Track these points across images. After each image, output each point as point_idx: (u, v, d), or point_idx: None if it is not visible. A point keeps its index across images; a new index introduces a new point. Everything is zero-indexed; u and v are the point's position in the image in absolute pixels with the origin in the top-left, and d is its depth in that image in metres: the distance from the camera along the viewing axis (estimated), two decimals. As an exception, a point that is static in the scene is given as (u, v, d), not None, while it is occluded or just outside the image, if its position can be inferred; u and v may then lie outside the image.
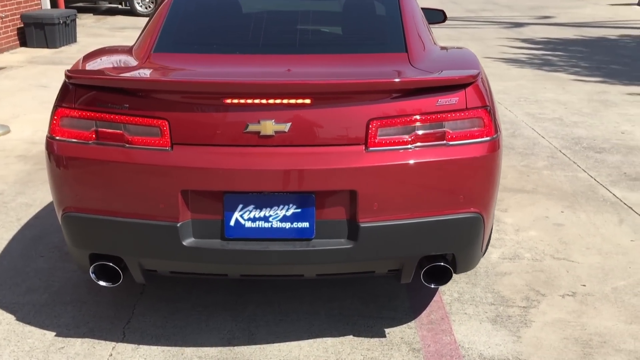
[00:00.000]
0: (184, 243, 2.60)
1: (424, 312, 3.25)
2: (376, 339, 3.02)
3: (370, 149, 2.57)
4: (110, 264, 2.74)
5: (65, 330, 3.10)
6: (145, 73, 2.84)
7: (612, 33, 13.58)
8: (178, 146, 2.58)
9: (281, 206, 2.59)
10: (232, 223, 2.60)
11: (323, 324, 3.14)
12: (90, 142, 2.64)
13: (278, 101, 2.52)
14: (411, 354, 2.91)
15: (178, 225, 2.59)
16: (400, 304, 3.32)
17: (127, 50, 3.26)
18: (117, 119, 2.60)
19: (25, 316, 3.21)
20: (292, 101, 2.52)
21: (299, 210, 2.59)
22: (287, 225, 2.60)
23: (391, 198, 2.58)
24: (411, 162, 2.57)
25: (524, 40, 12.36)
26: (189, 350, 2.94)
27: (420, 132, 2.60)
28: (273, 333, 3.07)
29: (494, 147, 2.71)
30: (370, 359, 2.88)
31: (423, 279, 2.78)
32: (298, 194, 2.57)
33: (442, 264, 2.72)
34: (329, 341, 3.01)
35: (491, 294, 3.42)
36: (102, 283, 2.79)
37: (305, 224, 2.60)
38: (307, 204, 2.58)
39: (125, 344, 2.99)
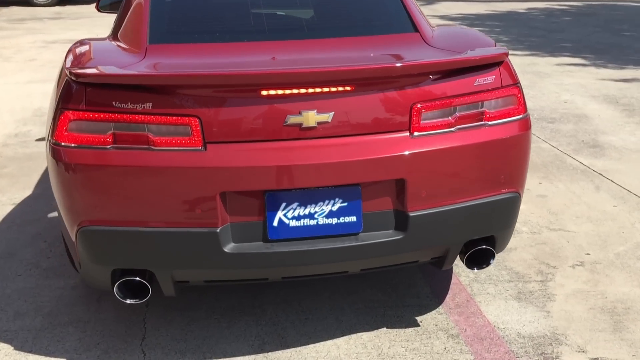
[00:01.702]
0: (225, 249, 2.40)
1: (448, 295, 3.20)
2: (411, 329, 2.94)
3: (415, 134, 2.47)
4: (137, 278, 2.49)
5: (75, 355, 2.81)
6: (161, 67, 2.59)
7: (519, 7, 14.12)
8: (212, 145, 2.37)
9: (326, 201, 2.44)
10: (275, 223, 2.43)
11: (352, 319, 3.02)
12: (108, 146, 2.37)
13: (319, 90, 2.36)
14: (451, 341, 2.85)
15: (218, 230, 2.38)
16: (421, 290, 3.26)
17: (113, 43, 2.97)
18: (139, 120, 2.35)
19: (23, 344, 2.89)
20: (334, 89, 2.37)
21: (345, 204, 2.45)
22: (334, 220, 2.46)
23: (438, 184, 2.50)
24: (455, 144, 2.50)
25: (442, 17, 12.60)
26: (221, 362, 2.75)
27: (461, 114, 2.52)
28: (304, 334, 2.92)
29: (528, 124, 2.68)
30: (412, 350, 2.80)
31: (465, 263, 2.72)
32: (344, 187, 2.43)
33: (484, 246, 2.67)
34: (365, 336, 2.90)
35: (505, 271, 3.42)
36: (129, 301, 2.54)
37: (353, 218, 2.47)
38: (354, 196, 2.45)
39: (148, 363, 2.75)
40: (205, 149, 2.36)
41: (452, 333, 2.91)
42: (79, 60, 2.68)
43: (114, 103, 2.35)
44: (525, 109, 2.68)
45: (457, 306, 3.11)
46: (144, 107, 2.35)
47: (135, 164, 2.36)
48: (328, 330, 2.95)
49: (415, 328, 2.95)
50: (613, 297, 3.17)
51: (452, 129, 2.51)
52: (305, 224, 2.45)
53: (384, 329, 2.95)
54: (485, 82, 2.55)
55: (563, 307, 3.09)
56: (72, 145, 2.40)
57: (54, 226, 4.02)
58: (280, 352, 2.80)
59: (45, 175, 4.89)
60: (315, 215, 2.45)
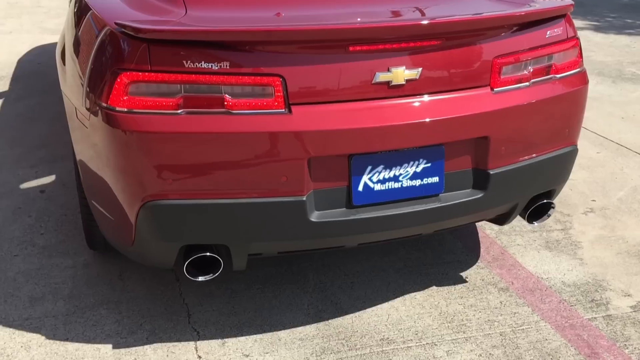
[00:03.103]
0: (311, 218, 2.25)
1: (482, 250, 3.21)
2: (460, 285, 2.93)
3: (496, 89, 2.40)
4: (208, 253, 2.29)
5: (120, 339, 2.57)
6: (221, 22, 2.32)
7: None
8: (296, 107, 2.17)
9: (411, 162, 2.33)
10: (360, 188, 2.29)
11: (398, 280, 2.96)
12: (179, 111, 2.12)
13: (406, 45, 2.22)
14: (504, 295, 2.87)
15: (304, 198, 2.22)
16: (453, 245, 3.25)
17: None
18: (215, 80, 2.11)
19: (55, 332, 2.60)
20: (422, 44, 2.24)
21: (428, 164, 2.35)
22: (417, 182, 2.36)
23: (517, 140, 2.46)
24: (531, 99, 2.45)
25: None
26: (283, 334, 2.61)
27: (534, 67, 2.48)
28: (357, 298, 2.83)
29: (587, 76, 2.68)
30: (470, 307, 2.79)
31: (527, 218, 2.72)
32: (428, 148, 2.33)
33: (545, 200, 2.68)
34: (418, 296, 2.86)
35: (524, 221, 3.47)
36: (200, 278, 2.33)
37: (435, 179, 2.38)
38: (437, 156, 2.36)
39: (206, 342, 2.56)
40: (290, 111, 2.17)
41: (501, 287, 2.93)
42: (114, 12, 2.36)
43: (184, 62, 2.10)
44: (583, 62, 2.68)
45: (494, 259, 3.13)
46: (219, 66, 2.11)
47: (212, 130, 2.13)
48: (379, 292, 2.88)
49: (464, 284, 2.94)
50: (633, 240, 3.31)
51: (527, 83, 2.46)
52: (389, 187, 2.33)
53: (434, 287, 2.92)
54: (554, 34, 2.51)
55: (593, 254, 3.19)
56: (135, 110, 2.13)
57: (33, 199, 3.64)
58: (340, 319, 2.71)
59: (3, 141, 4.39)
60: (400, 178, 2.34)
